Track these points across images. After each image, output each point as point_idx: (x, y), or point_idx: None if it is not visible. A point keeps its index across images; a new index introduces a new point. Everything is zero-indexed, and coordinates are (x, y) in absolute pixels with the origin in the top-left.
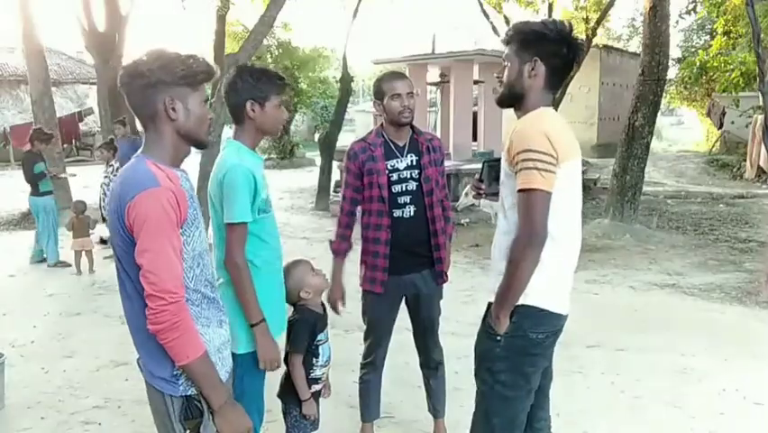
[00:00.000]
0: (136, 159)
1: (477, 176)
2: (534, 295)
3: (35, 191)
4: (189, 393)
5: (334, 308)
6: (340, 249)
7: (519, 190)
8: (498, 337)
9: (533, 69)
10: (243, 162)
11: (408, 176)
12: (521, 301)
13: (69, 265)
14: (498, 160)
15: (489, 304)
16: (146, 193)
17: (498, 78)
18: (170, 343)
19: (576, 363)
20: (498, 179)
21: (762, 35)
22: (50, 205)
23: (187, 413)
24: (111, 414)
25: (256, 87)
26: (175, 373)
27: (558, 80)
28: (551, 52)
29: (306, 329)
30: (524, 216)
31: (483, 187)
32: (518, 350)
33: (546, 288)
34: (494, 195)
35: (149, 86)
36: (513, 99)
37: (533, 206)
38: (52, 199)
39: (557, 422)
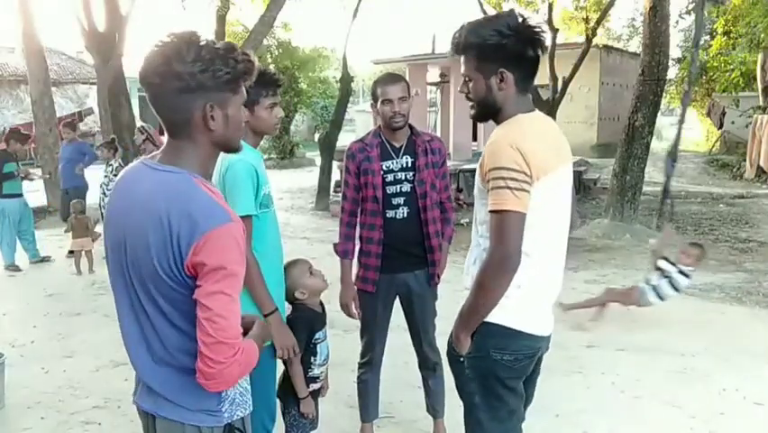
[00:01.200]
0: (179, 175)
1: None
2: (499, 312)
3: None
4: (235, 418)
5: (348, 312)
6: (346, 249)
7: (491, 211)
8: (461, 358)
9: (501, 81)
10: (245, 157)
11: (403, 177)
12: (484, 318)
13: (19, 270)
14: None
15: None
16: (222, 231)
17: (464, 93)
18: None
19: (576, 363)
20: None
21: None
22: (9, 208)
23: None
24: (111, 414)
25: None
26: (220, 401)
27: (530, 79)
28: (515, 58)
29: (304, 327)
30: (495, 238)
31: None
32: (484, 372)
33: (516, 305)
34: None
35: (185, 91)
36: (489, 113)
37: (506, 228)
38: (17, 202)
39: (557, 422)
